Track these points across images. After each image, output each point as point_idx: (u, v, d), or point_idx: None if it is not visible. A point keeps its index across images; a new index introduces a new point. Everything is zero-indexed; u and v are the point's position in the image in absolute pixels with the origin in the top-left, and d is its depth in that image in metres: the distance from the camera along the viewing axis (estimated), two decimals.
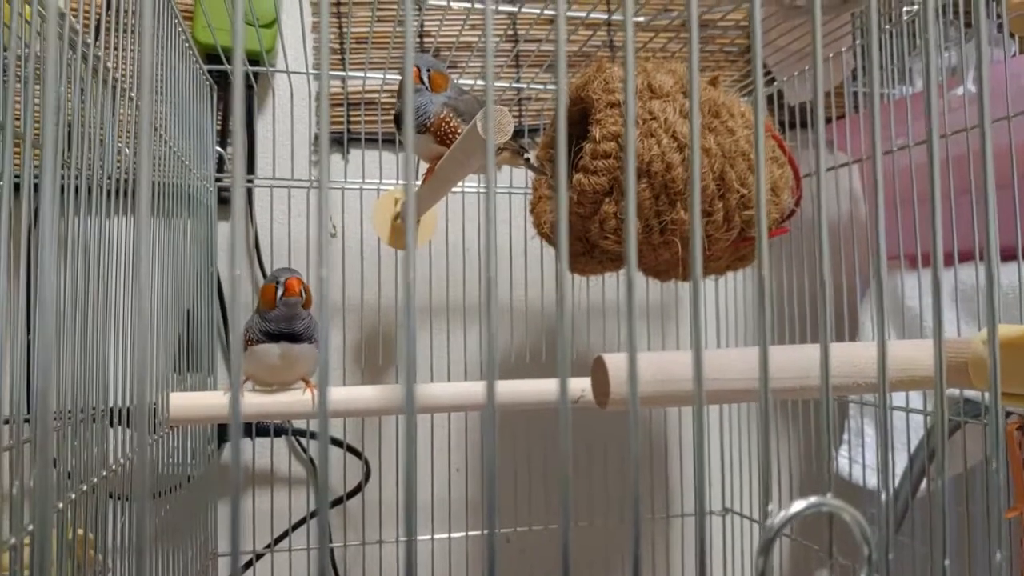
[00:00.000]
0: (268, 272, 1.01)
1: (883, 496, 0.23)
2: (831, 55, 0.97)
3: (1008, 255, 0.73)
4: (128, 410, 0.56)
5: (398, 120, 0.78)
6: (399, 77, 0.93)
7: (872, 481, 0.88)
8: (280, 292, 0.74)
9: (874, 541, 0.22)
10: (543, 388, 0.77)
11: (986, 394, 0.66)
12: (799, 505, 0.22)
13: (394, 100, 1.04)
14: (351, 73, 1.02)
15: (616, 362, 0.33)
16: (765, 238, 0.27)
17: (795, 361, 0.33)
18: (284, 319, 0.74)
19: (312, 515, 1.00)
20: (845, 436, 0.95)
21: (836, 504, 0.22)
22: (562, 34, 0.28)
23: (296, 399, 0.75)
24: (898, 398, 0.84)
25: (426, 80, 0.73)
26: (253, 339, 0.75)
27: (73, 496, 0.46)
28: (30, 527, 0.39)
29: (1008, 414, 0.65)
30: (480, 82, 1.04)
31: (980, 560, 0.68)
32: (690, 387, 0.29)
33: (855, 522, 0.22)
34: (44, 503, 0.24)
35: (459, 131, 0.71)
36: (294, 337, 0.74)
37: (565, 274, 0.26)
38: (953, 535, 0.70)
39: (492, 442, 0.25)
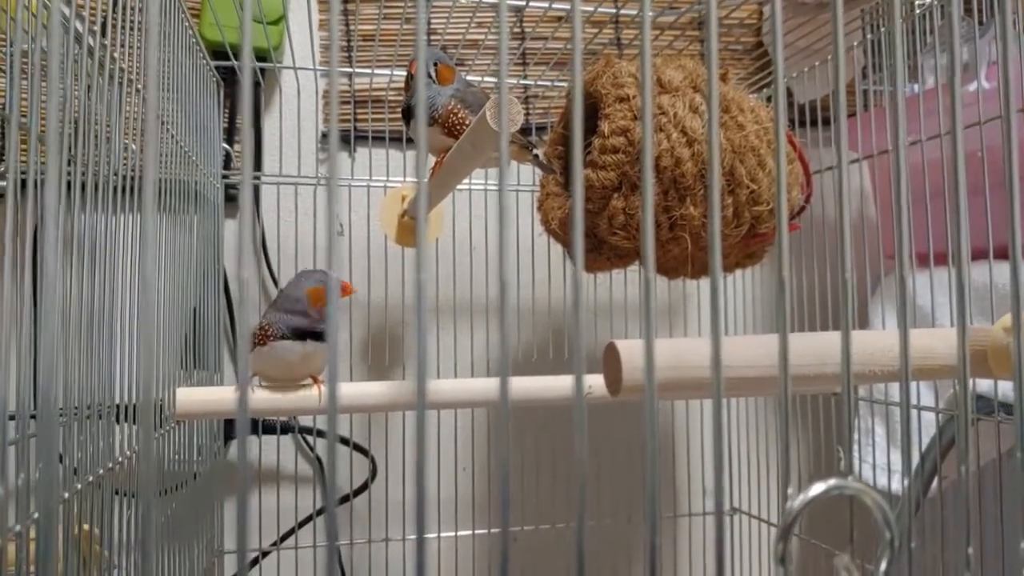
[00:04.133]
0: (275, 270, 1.01)
1: (904, 481, 0.23)
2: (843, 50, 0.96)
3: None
4: (133, 406, 0.56)
5: (406, 114, 0.77)
6: (405, 73, 0.93)
7: (882, 481, 0.87)
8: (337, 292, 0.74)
9: (895, 525, 0.21)
10: (550, 384, 0.77)
11: (1001, 389, 0.66)
12: (820, 487, 0.21)
13: (401, 97, 1.03)
14: (358, 70, 1.01)
15: (629, 347, 0.32)
16: (786, 236, 0.26)
17: (812, 349, 0.33)
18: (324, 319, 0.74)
19: (319, 513, 1.00)
20: (855, 436, 0.95)
21: (857, 486, 0.21)
22: (578, 27, 0.28)
23: (304, 395, 0.74)
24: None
25: (432, 74, 0.73)
26: (276, 335, 0.74)
27: (79, 487, 0.46)
28: (35, 514, 0.39)
29: None
30: (488, 79, 1.03)
31: (991, 557, 0.67)
32: (705, 374, 0.29)
33: (876, 505, 0.21)
34: (48, 493, 0.24)
35: (467, 122, 0.71)
36: (318, 335, 0.74)
37: (579, 267, 0.25)
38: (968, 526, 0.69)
39: (506, 440, 0.24)
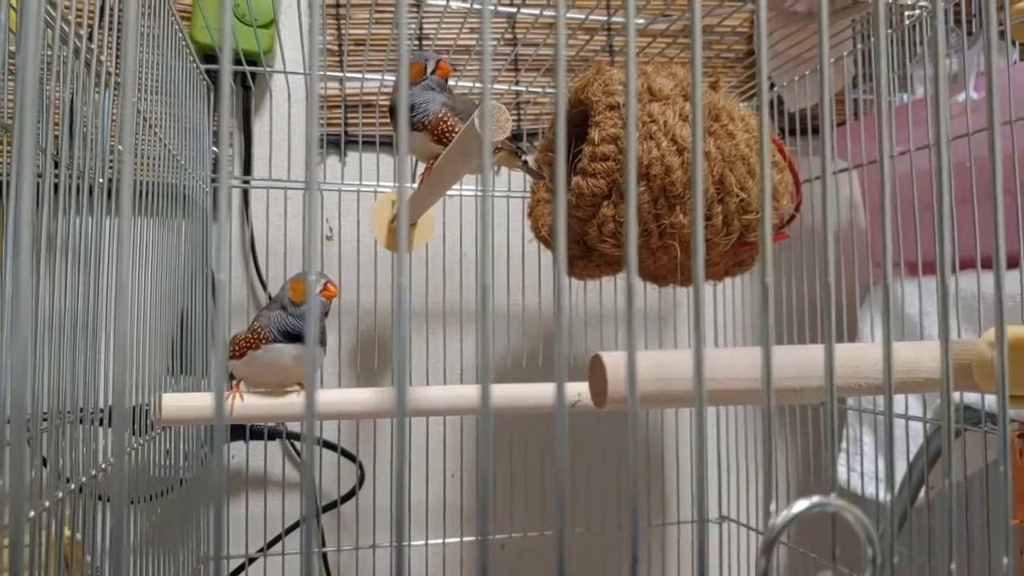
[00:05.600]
0: (264, 275, 1.00)
1: (887, 496, 0.23)
2: (831, 60, 0.96)
3: (1011, 262, 0.72)
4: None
5: (393, 112, 0.77)
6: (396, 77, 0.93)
7: (870, 489, 0.88)
8: (317, 291, 0.73)
9: (878, 542, 0.21)
10: (539, 392, 0.77)
11: (987, 400, 0.66)
12: (802, 504, 0.21)
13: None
14: (349, 74, 1.01)
15: (614, 359, 0.32)
16: (769, 244, 0.26)
17: (796, 361, 0.33)
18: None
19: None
20: (844, 444, 0.95)
21: (840, 504, 0.21)
22: (561, 35, 0.28)
23: (291, 401, 0.74)
24: (897, 405, 0.83)
25: (431, 69, 0.73)
26: (268, 338, 0.72)
27: (60, 495, 0.45)
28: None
29: (1011, 421, 0.65)
30: (479, 85, 1.03)
31: (978, 568, 0.67)
32: (690, 386, 0.29)
33: (859, 522, 0.21)
34: (18, 502, 0.23)
35: (456, 129, 0.71)
36: None
37: (563, 275, 0.25)
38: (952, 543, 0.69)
39: (487, 446, 0.24)
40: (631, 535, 0.23)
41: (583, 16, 0.95)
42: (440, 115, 0.72)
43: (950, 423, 0.24)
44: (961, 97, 0.81)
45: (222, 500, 0.22)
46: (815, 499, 0.21)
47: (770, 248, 0.26)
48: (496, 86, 1.06)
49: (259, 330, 0.73)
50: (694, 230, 0.24)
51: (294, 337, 0.72)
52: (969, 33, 0.91)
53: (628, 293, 0.25)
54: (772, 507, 0.22)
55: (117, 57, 0.57)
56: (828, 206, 0.27)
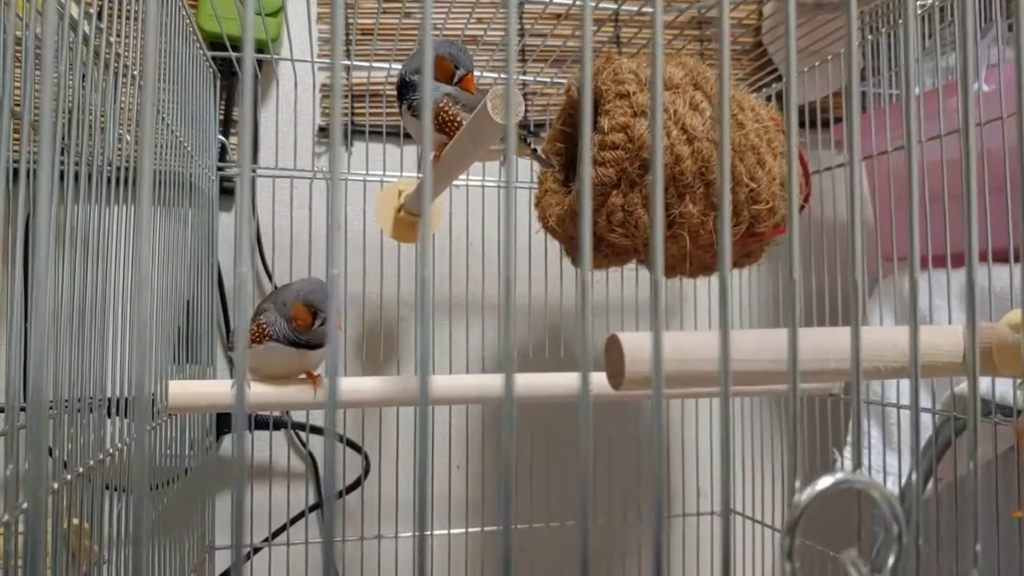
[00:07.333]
0: (269, 263, 1.00)
1: (913, 475, 0.22)
2: (841, 51, 0.96)
3: (1018, 257, 0.72)
4: (125, 399, 0.55)
5: (399, 91, 0.76)
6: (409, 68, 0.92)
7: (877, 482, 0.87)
8: (318, 323, 0.73)
9: (903, 520, 0.21)
10: (547, 382, 0.76)
11: (998, 391, 0.66)
12: (827, 481, 0.21)
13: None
14: (356, 63, 1.01)
15: (632, 340, 0.32)
16: (796, 238, 0.26)
17: (815, 343, 0.32)
18: (317, 337, 0.73)
19: (311, 509, 0.99)
20: (848, 438, 0.94)
21: (865, 480, 0.21)
22: (588, 21, 0.27)
23: (299, 390, 0.74)
24: (903, 396, 0.83)
25: (458, 77, 0.73)
26: (273, 336, 0.73)
27: (69, 478, 0.45)
28: (24, 504, 0.38)
29: (1017, 412, 0.64)
30: (487, 74, 1.03)
31: (984, 559, 0.67)
32: (708, 367, 0.29)
33: (884, 499, 0.21)
34: (37, 484, 0.23)
35: (458, 118, 0.70)
36: (312, 346, 0.73)
37: (587, 256, 0.25)
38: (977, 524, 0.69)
39: (510, 438, 0.24)
40: (655, 519, 0.23)
41: (593, 4, 0.94)
42: (441, 104, 0.72)
43: (976, 406, 0.23)
44: (972, 89, 0.80)
45: (243, 487, 0.22)
46: (840, 475, 0.21)
47: (797, 243, 0.26)
48: (503, 76, 1.05)
49: (264, 326, 0.73)
50: (720, 212, 0.24)
51: (299, 345, 0.73)
52: (980, 25, 0.90)
53: (652, 273, 0.25)
54: (796, 484, 0.22)
55: (125, 43, 0.57)
56: (854, 195, 0.27)
